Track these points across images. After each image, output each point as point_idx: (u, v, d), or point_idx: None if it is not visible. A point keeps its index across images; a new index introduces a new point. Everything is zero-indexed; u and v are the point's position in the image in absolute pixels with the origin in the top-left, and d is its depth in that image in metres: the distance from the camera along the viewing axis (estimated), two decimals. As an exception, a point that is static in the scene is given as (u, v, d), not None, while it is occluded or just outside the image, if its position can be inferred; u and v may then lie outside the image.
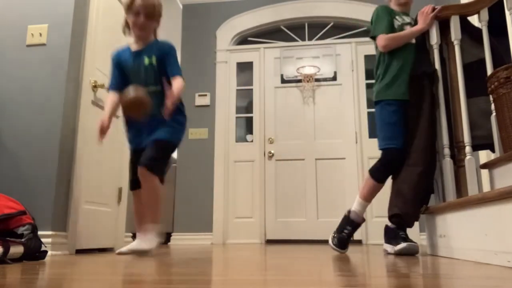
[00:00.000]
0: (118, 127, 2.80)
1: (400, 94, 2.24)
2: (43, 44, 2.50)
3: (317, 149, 4.35)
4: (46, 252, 1.90)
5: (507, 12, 1.91)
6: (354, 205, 2.27)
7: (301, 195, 4.26)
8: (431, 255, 2.08)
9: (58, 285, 0.98)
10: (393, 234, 2.13)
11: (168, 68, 2.21)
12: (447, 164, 2.09)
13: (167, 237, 4.44)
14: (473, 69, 2.13)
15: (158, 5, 2.23)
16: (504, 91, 1.71)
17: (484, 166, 1.95)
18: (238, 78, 4.67)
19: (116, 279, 1.09)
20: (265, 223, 4.24)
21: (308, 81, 4.48)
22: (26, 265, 1.58)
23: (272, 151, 4.38)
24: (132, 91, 2.00)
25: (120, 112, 2.32)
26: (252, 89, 4.60)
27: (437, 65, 2.22)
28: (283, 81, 4.58)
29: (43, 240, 1.92)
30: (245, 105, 4.76)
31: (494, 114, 1.89)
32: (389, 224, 2.19)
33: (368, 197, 2.26)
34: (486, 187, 2.49)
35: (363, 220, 2.29)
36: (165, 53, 2.22)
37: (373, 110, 3.26)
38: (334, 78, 4.51)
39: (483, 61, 2.03)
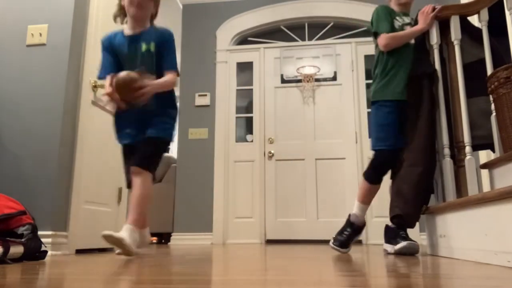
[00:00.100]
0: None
1: (397, 94, 2.24)
2: (43, 44, 2.50)
3: (317, 149, 4.35)
4: (46, 252, 1.90)
5: (507, 12, 1.91)
6: (354, 208, 2.29)
7: (301, 195, 4.26)
8: (431, 255, 2.08)
9: (58, 285, 0.98)
10: (393, 233, 2.13)
11: (164, 59, 2.08)
12: (447, 164, 2.09)
13: (167, 237, 4.44)
14: (473, 69, 2.13)
15: None
16: (504, 91, 1.71)
17: (484, 166, 1.95)
18: (238, 78, 4.67)
19: (116, 279, 1.09)
20: (265, 223, 4.24)
21: (308, 81, 4.48)
22: (26, 265, 1.58)
23: (272, 151, 4.38)
24: (125, 72, 1.90)
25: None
26: (252, 89, 4.60)
27: (437, 65, 2.22)
28: (283, 81, 4.58)
29: (43, 240, 1.92)
30: (245, 105, 4.76)
31: (494, 114, 1.89)
32: (389, 224, 2.19)
33: (365, 200, 2.27)
34: (486, 187, 2.49)
35: (364, 223, 2.29)
36: (164, 41, 2.09)
37: (373, 110, 3.25)
38: (334, 78, 4.51)
39: (483, 61, 2.03)
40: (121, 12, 2.13)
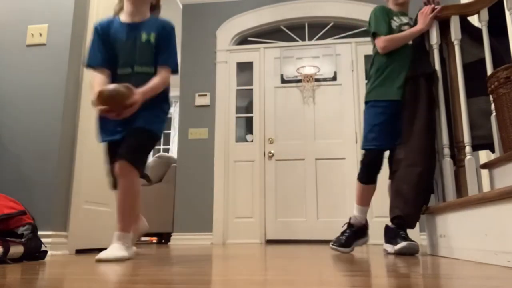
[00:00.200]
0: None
1: (390, 94, 2.26)
2: (43, 44, 2.50)
3: (317, 149, 4.35)
4: (46, 252, 1.90)
5: (507, 12, 1.91)
6: (353, 210, 2.32)
7: (301, 195, 4.26)
8: (431, 255, 2.08)
9: (58, 285, 0.98)
10: (393, 234, 2.13)
11: (161, 52, 1.92)
12: (447, 164, 2.09)
13: (167, 237, 4.44)
14: (473, 69, 2.13)
15: None
16: (504, 91, 1.71)
17: (484, 166, 1.95)
18: (238, 78, 4.67)
19: (116, 279, 1.09)
20: (265, 223, 4.24)
21: (308, 81, 4.48)
22: (26, 265, 1.58)
23: (272, 151, 4.38)
24: (113, 86, 1.74)
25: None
26: (252, 89, 4.60)
27: (437, 65, 2.22)
28: (283, 81, 4.58)
29: (43, 240, 1.92)
30: (245, 105, 4.76)
31: (494, 114, 1.89)
32: (389, 224, 2.20)
33: (362, 201, 2.29)
34: (486, 187, 2.49)
35: (364, 224, 2.31)
36: (166, 33, 1.94)
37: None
38: (334, 78, 4.51)
39: (483, 61, 2.03)
40: (122, 6, 1.99)
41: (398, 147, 2.19)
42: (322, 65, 4.53)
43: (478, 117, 2.09)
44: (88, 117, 2.63)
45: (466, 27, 2.21)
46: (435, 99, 2.18)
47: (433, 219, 2.11)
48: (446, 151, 2.12)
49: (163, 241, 4.68)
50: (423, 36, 2.31)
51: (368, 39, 2.55)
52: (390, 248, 2.14)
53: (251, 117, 4.55)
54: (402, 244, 2.01)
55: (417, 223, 2.14)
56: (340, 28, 4.63)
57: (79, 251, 2.47)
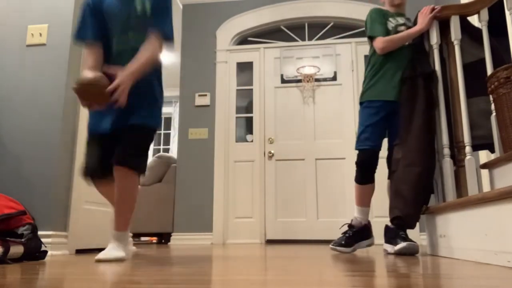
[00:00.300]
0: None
1: (385, 95, 2.27)
2: (43, 44, 2.50)
3: (317, 149, 4.35)
4: (46, 252, 1.90)
5: (507, 12, 1.91)
6: (354, 212, 2.34)
7: (301, 195, 4.26)
8: (431, 255, 2.08)
9: (58, 285, 0.98)
10: (393, 234, 2.13)
11: (153, 18, 1.76)
12: (447, 164, 2.09)
13: (167, 237, 4.44)
14: (473, 69, 2.13)
15: None
16: (504, 91, 1.71)
17: (484, 166, 1.95)
18: (238, 78, 4.67)
19: (116, 279, 1.09)
20: (265, 223, 4.24)
21: (308, 81, 4.48)
22: (26, 265, 1.58)
23: (272, 151, 4.38)
24: (88, 76, 1.62)
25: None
26: (252, 89, 4.60)
27: (437, 65, 2.22)
28: (283, 81, 4.58)
29: (43, 240, 1.92)
30: (245, 105, 4.76)
31: (494, 114, 1.89)
32: (389, 224, 2.20)
33: (361, 202, 2.31)
34: (486, 187, 2.49)
35: (365, 225, 2.32)
36: (160, 1, 1.79)
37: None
38: (334, 78, 4.51)
39: (483, 61, 2.03)
40: None
41: (396, 147, 2.20)
42: (322, 65, 4.53)
43: (478, 117, 2.09)
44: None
45: (466, 27, 2.21)
46: (433, 99, 2.18)
47: (433, 219, 2.11)
48: (446, 151, 2.12)
49: (163, 241, 4.68)
50: (422, 36, 2.31)
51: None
52: (390, 248, 2.14)
53: (251, 117, 4.55)
54: (402, 244, 2.01)
55: (417, 223, 2.14)
56: (340, 28, 4.63)
57: (79, 251, 2.47)
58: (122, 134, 1.74)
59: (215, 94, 4.56)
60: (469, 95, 2.10)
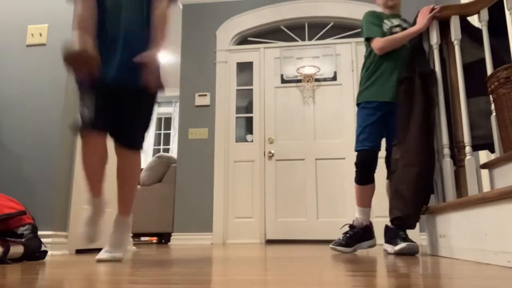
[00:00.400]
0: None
1: (381, 96, 2.29)
2: (43, 44, 2.50)
3: (317, 149, 4.35)
4: (46, 252, 1.90)
5: (507, 12, 1.91)
6: (355, 213, 2.35)
7: (301, 195, 4.26)
8: (431, 255, 2.08)
9: (58, 285, 0.98)
10: (393, 234, 2.13)
11: None
12: (447, 164, 2.09)
13: (167, 237, 4.44)
14: (473, 69, 2.13)
15: None
16: (504, 91, 1.71)
17: (484, 166, 1.95)
18: (238, 78, 4.67)
19: (116, 279, 1.09)
20: (265, 223, 4.24)
21: (308, 81, 4.48)
22: (26, 265, 1.58)
23: (272, 151, 4.38)
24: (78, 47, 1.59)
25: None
26: (252, 89, 4.60)
27: (437, 65, 2.22)
28: (283, 81, 4.58)
29: (43, 240, 1.92)
30: (245, 105, 4.76)
31: (494, 114, 1.89)
32: (389, 224, 2.20)
33: (361, 202, 2.32)
34: (486, 187, 2.49)
35: (366, 225, 2.32)
36: None
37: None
38: (334, 78, 4.51)
39: (483, 61, 2.03)
40: None
41: (395, 147, 2.20)
42: (322, 65, 4.53)
43: (478, 117, 2.09)
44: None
45: (466, 27, 2.21)
46: (431, 99, 2.18)
47: (433, 219, 2.11)
48: (446, 151, 2.12)
49: (163, 241, 4.68)
50: (421, 36, 2.31)
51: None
52: (390, 248, 2.14)
53: (251, 117, 4.55)
54: (402, 245, 2.01)
55: (417, 223, 2.14)
56: (340, 28, 4.63)
57: (79, 251, 2.47)
58: (129, 98, 1.69)
59: (215, 94, 4.56)
60: (469, 95, 2.10)
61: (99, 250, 2.68)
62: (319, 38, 4.64)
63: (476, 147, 2.11)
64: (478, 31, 2.13)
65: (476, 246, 1.59)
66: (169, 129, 7.74)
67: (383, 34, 2.31)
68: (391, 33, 2.31)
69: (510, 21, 2.13)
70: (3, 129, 2.41)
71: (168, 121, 7.81)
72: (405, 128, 2.14)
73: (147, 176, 4.46)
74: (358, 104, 2.39)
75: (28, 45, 2.51)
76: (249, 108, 4.67)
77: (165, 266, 1.49)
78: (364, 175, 2.30)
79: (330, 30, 4.63)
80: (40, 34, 2.51)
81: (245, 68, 4.70)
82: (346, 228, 2.35)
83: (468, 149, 2.01)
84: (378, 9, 2.46)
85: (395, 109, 2.24)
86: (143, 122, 1.76)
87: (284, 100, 4.52)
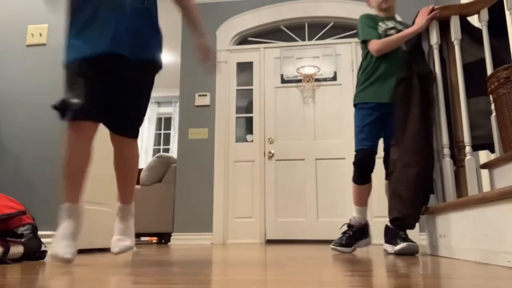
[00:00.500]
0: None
1: (378, 97, 2.31)
2: (43, 44, 2.50)
3: (317, 149, 4.35)
4: (46, 252, 1.90)
5: (507, 12, 1.91)
6: (353, 212, 2.36)
7: (301, 195, 4.26)
8: (431, 255, 2.08)
9: (58, 285, 0.98)
10: (393, 234, 2.13)
11: None
12: (447, 164, 2.09)
13: (167, 237, 4.44)
14: (473, 69, 2.13)
15: None
16: (504, 91, 1.71)
17: (484, 166, 1.95)
18: (238, 78, 4.67)
19: (116, 279, 1.09)
20: (265, 223, 4.24)
21: (308, 81, 4.48)
22: (26, 265, 1.58)
23: (272, 151, 4.38)
24: None
25: None
26: (252, 89, 4.60)
27: (437, 65, 2.22)
28: (283, 81, 4.58)
29: (43, 240, 1.92)
30: (245, 105, 4.76)
31: (494, 114, 1.89)
32: (389, 224, 2.20)
33: (359, 202, 2.33)
34: (486, 187, 2.49)
35: (363, 224, 2.33)
36: None
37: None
38: (334, 78, 4.51)
39: (483, 61, 2.03)
40: None
41: (393, 147, 2.20)
42: (322, 65, 4.53)
43: (478, 117, 2.09)
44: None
45: (466, 27, 2.21)
46: (429, 99, 2.18)
47: (433, 219, 2.11)
48: (446, 151, 2.12)
49: (163, 241, 4.68)
50: (420, 36, 2.31)
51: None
52: (390, 248, 2.14)
53: (251, 117, 4.55)
54: (402, 245, 2.01)
55: (417, 223, 2.14)
56: (340, 28, 4.63)
57: (79, 251, 2.47)
58: (126, 78, 1.56)
59: (215, 94, 4.56)
60: (469, 95, 2.10)
61: (99, 250, 2.68)
62: (319, 38, 4.64)
63: (476, 147, 2.11)
64: (478, 31, 2.13)
65: (476, 246, 1.59)
66: (169, 129, 7.74)
67: (379, 36, 2.32)
68: (386, 36, 2.32)
69: (510, 21, 2.12)
70: (3, 129, 2.41)
71: (168, 121, 7.81)
72: (403, 129, 2.15)
73: (147, 176, 4.46)
74: (355, 105, 2.42)
75: (28, 45, 2.51)
76: (249, 108, 4.67)
77: (165, 266, 1.49)
78: (362, 174, 2.31)
79: (330, 30, 4.63)
80: (40, 34, 2.51)
81: (245, 68, 4.70)
82: (345, 228, 2.36)
83: (468, 149, 2.01)
84: (373, 11, 2.48)
85: (392, 110, 2.25)
86: (146, 106, 1.67)
87: (284, 100, 4.52)
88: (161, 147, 7.74)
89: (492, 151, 2.02)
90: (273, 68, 4.61)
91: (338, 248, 2.27)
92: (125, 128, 1.63)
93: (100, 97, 1.51)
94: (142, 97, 1.64)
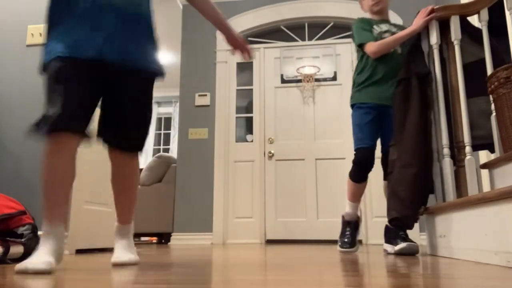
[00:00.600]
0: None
1: (375, 98, 2.33)
2: (43, 44, 2.50)
3: (317, 149, 4.35)
4: (46, 252, 1.89)
5: (507, 12, 1.91)
6: (346, 207, 2.43)
7: (301, 195, 4.26)
8: (431, 255, 2.08)
9: (58, 285, 0.98)
10: (393, 234, 2.13)
11: None
12: (447, 164, 2.09)
13: (167, 237, 4.44)
14: (473, 69, 2.13)
15: None
16: (504, 91, 1.71)
17: (484, 166, 1.95)
18: (238, 78, 4.67)
19: (116, 279, 1.09)
20: (265, 223, 4.24)
21: (308, 81, 4.48)
22: (26, 265, 1.58)
23: (272, 151, 4.38)
24: None
25: None
26: (252, 89, 4.60)
27: (437, 65, 2.22)
28: (283, 81, 4.58)
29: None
30: (245, 105, 4.76)
31: (494, 114, 1.89)
32: (388, 224, 2.20)
33: (353, 198, 2.40)
34: (486, 187, 2.49)
35: (358, 217, 2.42)
36: None
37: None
38: (334, 78, 4.51)
39: (483, 61, 2.03)
40: None
41: (392, 148, 2.21)
42: (322, 65, 4.53)
43: (478, 117, 2.09)
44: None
45: (466, 27, 2.21)
46: (428, 99, 2.18)
47: (433, 219, 2.11)
48: (446, 151, 2.12)
49: (163, 241, 4.68)
50: (420, 36, 2.31)
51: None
52: (390, 248, 2.14)
53: (251, 117, 4.55)
54: (402, 245, 2.02)
55: (417, 223, 2.14)
56: (340, 28, 4.63)
57: (79, 251, 2.47)
58: (133, 83, 1.40)
59: (215, 94, 4.56)
60: (469, 95, 2.10)
61: (99, 250, 2.69)
62: (319, 38, 4.64)
63: (476, 147, 2.11)
64: (478, 31, 2.13)
65: (476, 246, 1.59)
66: (169, 129, 7.74)
67: (374, 39, 2.34)
68: (381, 39, 2.34)
69: (510, 21, 2.13)
70: (3, 129, 2.41)
71: (168, 121, 7.81)
72: (402, 129, 2.15)
73: (147, 176, 4.46)
74: (352, 105, 2.43)
75: (28, 45, 2.51)
76: (249, 108, 4.67)
77: (165, 266, 1.49)
78: (361, 173, 2.35)
79: (330, 30, 4.63)
80: (40, 34, 2.51)
81: (245, 68, 4.70)
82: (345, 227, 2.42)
83: (468, 149, 2.01)
84: (367, 15, 2.50)
85: (388, 111, 2.28)
86: (145, 116, 1.48)
87: (284, 100, 4.52)
88: (161, 147, 7.74)
89: (492, 151, 2.02)
90: (273, 68, 4.61)
91: (351, 250, 2.33)
92: (125, 141, 1.45)
93: (82, 106, 1.33)
94: (140, 108, 1.46)
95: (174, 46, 5.16)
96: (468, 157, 2.00)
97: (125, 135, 1.45)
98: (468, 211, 1.67)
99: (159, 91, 7.03)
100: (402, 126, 2.15)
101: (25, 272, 1.18)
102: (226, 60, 4.65)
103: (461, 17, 2.20)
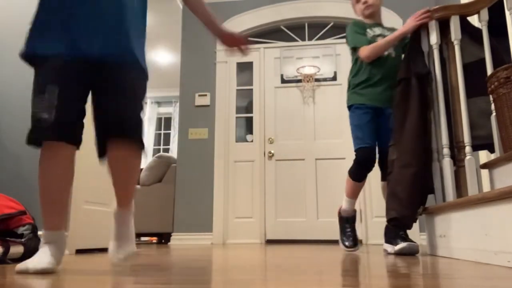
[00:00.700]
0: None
1: (371, 100, 2.35)
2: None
3: (317, 149, 4.35)
4: (46, 252, 1.89)
5: (507, 12, 1.91)
6: (343, 203, 2.45)
7: (301, 195, 4.26)
8: (431, 255, 2.08)
9: (58, 285, 0.98)
10: (393, 234, 2.13)
11: None
12: (447, 164, 2.09)
13: (167, 237, 4.44)
14: (473, 69, 2.13)
15: None
16: (504, 91, 1.71)
17: (484, 166, 1.95)
18: (238, 78, 4.67)
19: (116, 279, 1.09)
20: (265, 223, 4.24)
21: (308, 81, 4.48)
22: (26, 265, 1.57)
23: (272, 151, 4.38)
24: None
25: None
26: (252, 89, 4.60)
27: (437, 65, 2.22)
28: (283, 81, 4.58)
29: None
30: (245, 105, 4.76)
31: (494, 114, 1.89)
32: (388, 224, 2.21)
33: (352, 195, 2.42)
34: (486, 187, 2.49)
35: (355, 211, 2.46)
36: None
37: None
38: (334, 78, 4.51)
39: (483, 61, 2.03)
40: None
41: (391, 148, 2.21)
42: (322, 65, 4.52)
43: (478, 117, 2.09)
44: (87, 117, 2.63)
45: (466, 27, 2.21)
46: (428, 99, 2.18)
47: (433, 219, 2.11)
48: (446, 151, 2.12)
49: (163, 241, 4.68)
50: (419, 36, 2.31)
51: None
52: (390, 248, 2.14)
53: (251, 117, 4.54)
54: (402, 245, 2.02)
55: (417, 223, 2.15)
56: (340, 28, 4.62)
57: (79, 251, 2.47)
58: (111, 75, 1.30)
59: (215, 94, 4.56)
60: (469, 95, 2.10)
61: (99, 250, 2.69)
62: (319, 38, 4.64)
63: (476, 147, 2.11)
64: (478, 31, 2.13)
65: (476, 246, 1.59)
66: (169, 129, 7.74)
67: (368, 42, 2.36)
68: (374, 42, 2.35)
69: (510, 21, 2.13)
70: (3, 129, 2.41)
71: (168, 121, 7.81)
72: (402, 129, 2.15)
73: (147, 176, 4.46)
74: (349, 107, 2.46)
75: (28, 45, 2.51)
76: (249, 108, 4.66)
77: (165, 266, 1.49)
78: (361, 173, 2.36)
79: (330, 30, 4.62)
80: (40, 34, 2.51)
81: (245, 68, 4.70)
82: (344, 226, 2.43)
83: (468, 149, 2.01)
84: (362, 18, 2.53)
85: (384, 114, 2.31)
86: (138, 109, 1.36)
87: (284, 100, 4.52)
88: (161, 147, 7.74)
89: (492, 151, 2.02)
90: (273, 68, 4.61)
91: (356, 248, 2.35)
92: (119, 125, 1.35)
93: (76, 110, 1.32)
94: (130, 100, 1.35)
95: (174, 46, 5.16)
96: (468, 157, 2.00)
97: (118, 117, 1.35)
98: (468, 211, 1.67)
99: (159, 91, 7.04)
100: (401, 126, 2.15)
101: (26, 272, 1.20)
102: (226, 60, 4.64)
103: (461, 17, 2.20)
